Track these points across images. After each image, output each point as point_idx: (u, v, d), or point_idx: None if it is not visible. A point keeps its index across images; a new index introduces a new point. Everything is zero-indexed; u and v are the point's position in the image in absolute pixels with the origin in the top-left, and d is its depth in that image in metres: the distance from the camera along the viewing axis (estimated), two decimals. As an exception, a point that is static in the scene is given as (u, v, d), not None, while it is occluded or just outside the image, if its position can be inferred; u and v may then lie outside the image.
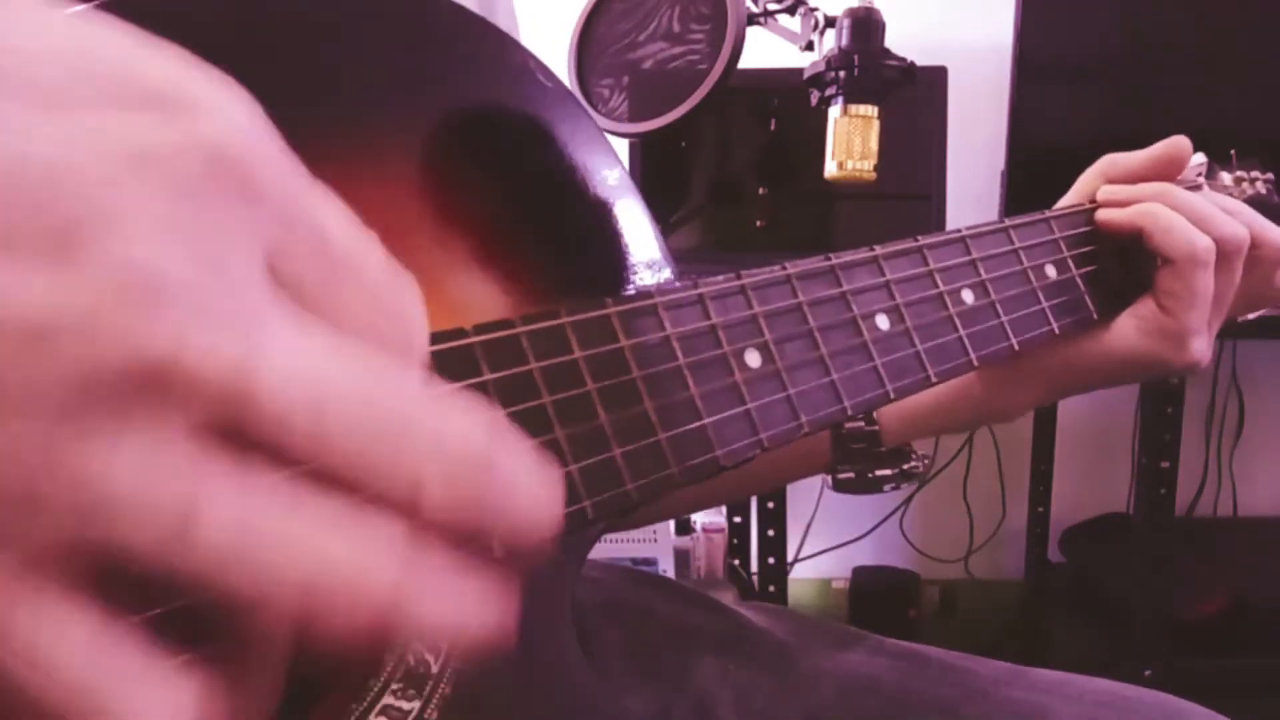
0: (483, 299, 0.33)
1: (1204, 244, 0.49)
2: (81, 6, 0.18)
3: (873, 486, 0.57)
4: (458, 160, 0.33)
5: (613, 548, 1.53)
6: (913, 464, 0.57)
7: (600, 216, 0.36)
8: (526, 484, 0.20)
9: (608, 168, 0.36)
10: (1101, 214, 0.52)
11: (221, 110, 0.18)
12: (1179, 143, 0.53)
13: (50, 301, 0.15)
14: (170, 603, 0.18)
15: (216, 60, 0.28)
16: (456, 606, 0.19)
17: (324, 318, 0.19)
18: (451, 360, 0.27)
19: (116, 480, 0.16)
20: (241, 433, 0.17)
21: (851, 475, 0.57)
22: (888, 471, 0.56)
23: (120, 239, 0.16)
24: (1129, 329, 0.51)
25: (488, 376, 0.28)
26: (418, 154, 0.32)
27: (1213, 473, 1.84)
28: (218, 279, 0.17)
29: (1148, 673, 1.40)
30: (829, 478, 0.58)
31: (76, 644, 0.16)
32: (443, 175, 0.33)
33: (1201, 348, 0.51)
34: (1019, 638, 1.83)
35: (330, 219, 0.19)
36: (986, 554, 1.90)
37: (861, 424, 0.57)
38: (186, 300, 0.16)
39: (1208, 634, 1.49)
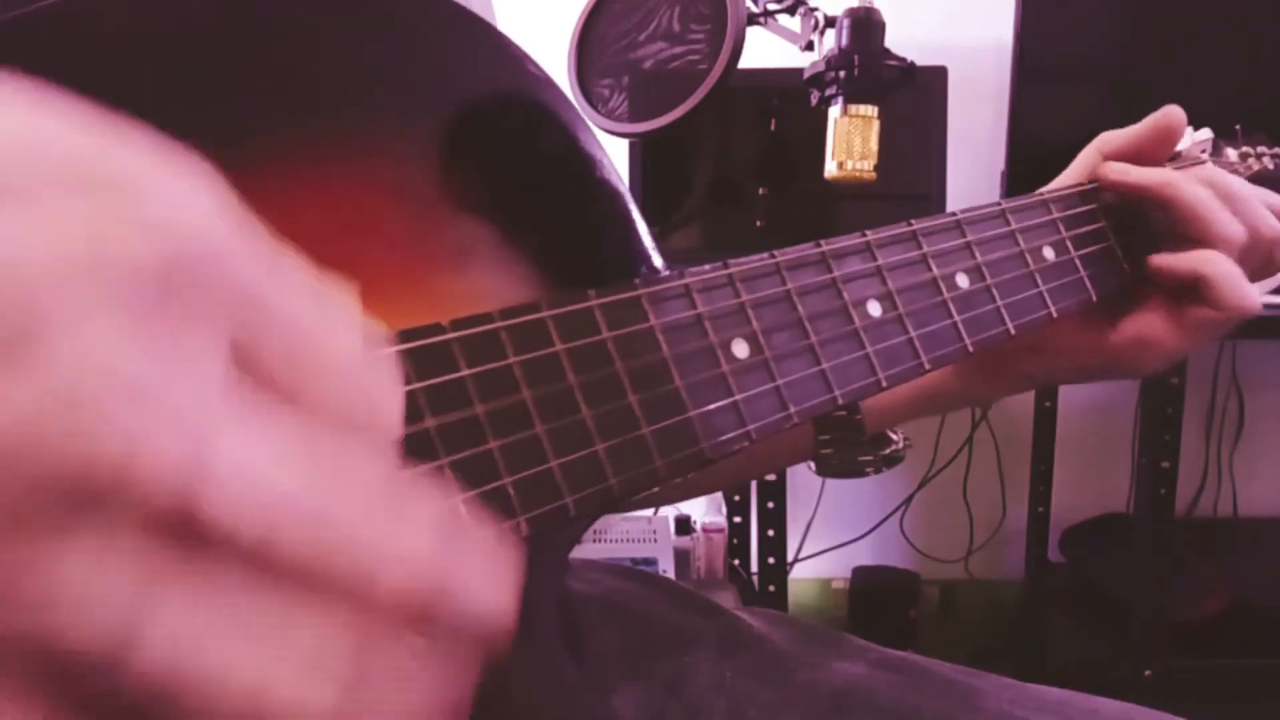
0: (468, 291, 0.33)
1: (1237, 230, 0.49)
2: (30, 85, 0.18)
3: (855, 470, 0.57)
4: (446, 151, 0.33)
5: (613, 547, 1.53)
6: (894, 448, 0.57)
7: (588, 207, 0.36)
8: (479, 590, 0.20)
9: (595, 157, 0.36)
10: (1122, 175, 0.52)
11: (181, 196, 0.17)
12: (1171, 112, 0.53)
13: None
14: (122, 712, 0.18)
15: (197, 65, 0.28)
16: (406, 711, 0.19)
17: (291, 401, 0.19)
18: (429, 356, 0.27)
19: (61, 586, 0.16)
20: (190, 535, 0.17)
21: (834, 460, 0.57)
22: (869, 457, 0.57)
23: (69, 343, 0.15)
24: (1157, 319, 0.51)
25: (465, 372, 0.28)
26: (406, 146, 0.32)
27: (1213, 473, 1.84)
28: (171, 381, 0.16)
29: (1148, 673, 1.40)
30: (812, 462, 0.58)
31: None
32: (430, 167, 0.33)
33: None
34: (1019, 638, 1.82)
35: (298, 300, 0.19)
36: (986, 554, 1.90)
37: (844, 413, 0.56)
38: (136, 405, 0.16)
39: (1208, 634, 1.49)
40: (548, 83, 0.35)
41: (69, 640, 0.16)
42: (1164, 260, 0.51)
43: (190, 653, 0.17)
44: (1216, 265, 0.49)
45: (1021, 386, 0.57)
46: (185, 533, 0.17)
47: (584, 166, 0.35)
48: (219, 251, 0.17)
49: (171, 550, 0.17)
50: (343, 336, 0.19)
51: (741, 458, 0.54)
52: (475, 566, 0.20)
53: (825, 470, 0.57)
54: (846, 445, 0.57)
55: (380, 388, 0.20)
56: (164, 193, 0.17)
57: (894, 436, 0.58)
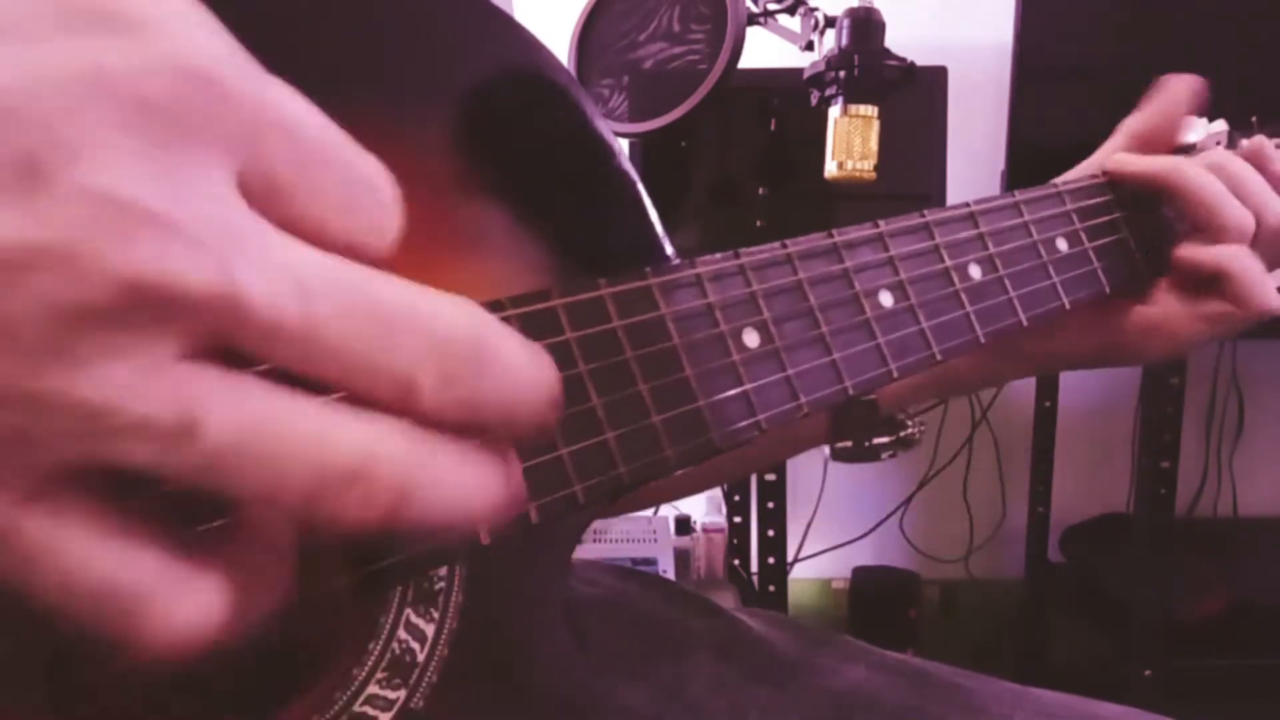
0: (480, 275, 0.33)
1: (1243, 216, 0.49)
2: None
3: (870, 455, 0.57)
4: (461, 135, 0.33)
5: (613, 548, 1.53)
6: (909, 431, 0.57)
7: (602, 191, 0.36)
8: (519, 364, 0.20)
9: (610, 143, 0.36)
10: (1125, 165, 0.52)
11: (179, 25, 0.18)
12: (1168, 83, 0.55)
13: (21, 236, 0.15)
14: (186, 502, 0.19)
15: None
16: (465, 488, 0.19)
17: (300, 210, 0.19)
18: None
19: (112, 402, 0.16)
20: (232, 345, 0.17)
21: (849, 444, 0.57)
22: (885, 439, 0.56)
23: (88, 167, 0.16)
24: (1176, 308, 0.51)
25: None
26: (421, 129, 0.32)
27: (1213, 473, 1.84)
28: (190, 198, 0.17)
29: (1148, 673, 1.40)
30: (827, 448, 0.58)
31: (97, 554, 0.17)
32: (444, 150, 0.33)
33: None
34: (1019, 638, 1.82)
35: (297, 116, 0.19)
36: (986, 554, 1.90)
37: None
38: (162, 222, 0.16)
39: (1208, 634, 1.49)
40: (562, 68, 0.35)
41: (124, 456, 0.17)
42: (1188, 252, 0.50)
43: (247, 451, 0.17)
44: (1240, 261, 0.49)
45: (1025, 367, 0.57)
46: (227, 343, 0.17)
47: (599, 151, 0.35)
48: (218, 73, 0.18)
49: (215, 362, 0.17)
50: (340, 140, 0.20)
51: (749, 448, 0.54)
52: (511, 345, 0.20)
53: (841, 456, 0.57)
54: (861, 429, 0.57)
55: (378, 183, 0.20)
56: (162, 22, 0.18)
57: (908, 421, 0.58)
